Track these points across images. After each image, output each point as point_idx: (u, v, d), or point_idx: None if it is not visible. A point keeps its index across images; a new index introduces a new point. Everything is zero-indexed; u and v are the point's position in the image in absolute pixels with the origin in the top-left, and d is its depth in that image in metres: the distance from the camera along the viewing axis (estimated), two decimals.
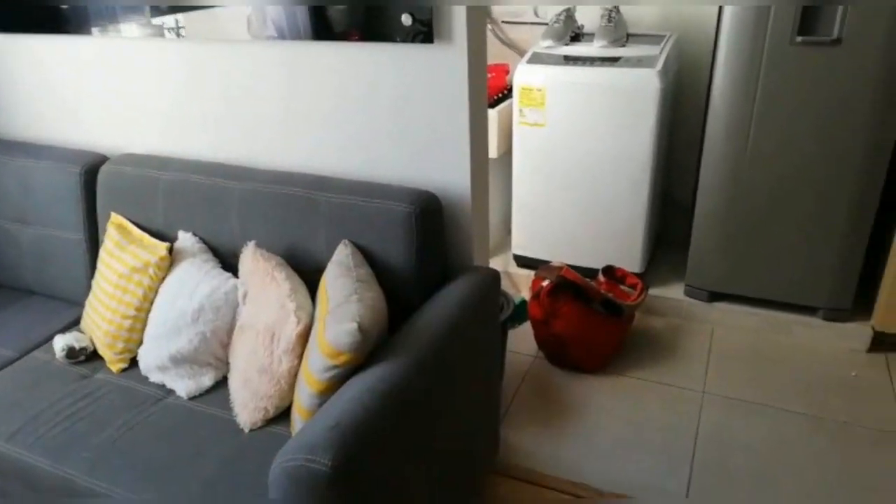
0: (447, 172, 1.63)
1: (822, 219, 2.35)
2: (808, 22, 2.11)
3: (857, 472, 1.92)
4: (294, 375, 1.46)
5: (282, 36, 1.63)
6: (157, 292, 1.69)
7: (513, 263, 2.95)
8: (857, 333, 2.46)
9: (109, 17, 1.82)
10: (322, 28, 1.58)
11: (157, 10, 1.75)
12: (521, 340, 2.54)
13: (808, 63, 2.16)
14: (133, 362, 1.70)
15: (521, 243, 2.87)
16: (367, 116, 1.65)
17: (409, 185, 1.66)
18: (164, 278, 1.70)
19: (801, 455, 1.98)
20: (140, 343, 1.69)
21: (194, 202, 1.75)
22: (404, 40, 1.50)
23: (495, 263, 2.98)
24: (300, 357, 1.45)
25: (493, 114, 2.64)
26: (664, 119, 2.49)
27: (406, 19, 1.47)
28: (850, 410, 2.16)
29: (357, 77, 1.62)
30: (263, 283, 1.53)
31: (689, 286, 2.66)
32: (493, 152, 2.70)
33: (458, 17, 1.46)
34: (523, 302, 2.66)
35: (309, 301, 1.52)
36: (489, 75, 2.72)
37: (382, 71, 1.59)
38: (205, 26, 1.73)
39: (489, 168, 2.77)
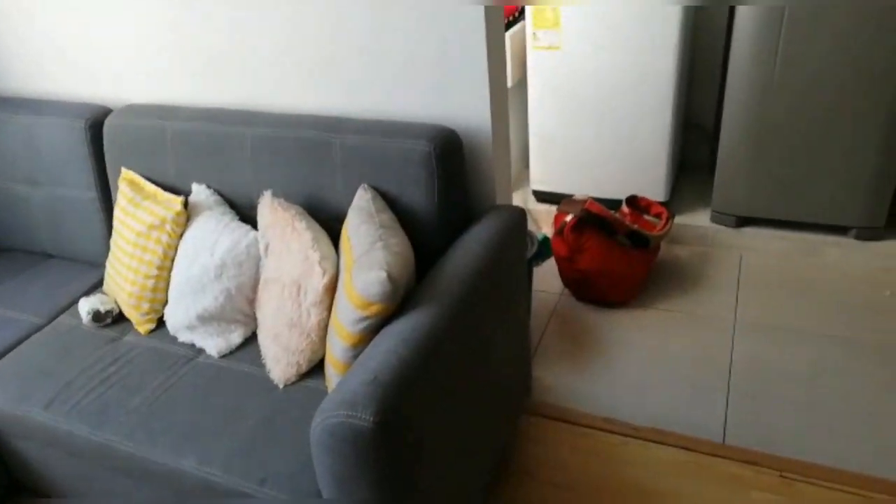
0: (465, 106, 1.55)
1: (854, 136, 2.25)
2: None
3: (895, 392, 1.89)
4: (324, 328, 1.43)
5: None
6: (176, 249, 1.65)
7: (532, 199, 2.88)
8: (892, 252, 2.40)
9: None
10: None
11: None
12: (546, 278, 2.49)
13: None
14: (160, 322, 1.67)
15: (540, 177, 2.79)
16: (377, 49, 1.56)
17: (426, 121, 1.58)
18: (182, 234, 1.65)
19: (841, 379, 1.95)
20: (165, 302, 1.66)
21: (205, 152, 1.69)
22: None
23: (515, 199, 2.91)
24: (329, 309, 1.41)
25: (505, 38, 2.52)
26: (685, 39, 2.36)
27: None
28: (887, 330, 2.12)
29: (363, 6, 1.52)
30: (284, 234, 1.48)
31: (715, 212, 2.59)
32: (507, 80, 2.59)
33: None
34: (546, 239, 2.60)
35: (332, 250, 1.47)
36: None
37: (395, 6, 1.48)
38: None
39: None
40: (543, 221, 2.85)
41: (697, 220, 2.64)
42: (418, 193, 1.49)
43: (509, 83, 2.60)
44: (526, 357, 1.84)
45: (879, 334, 2.11)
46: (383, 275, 1.21)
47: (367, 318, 1.24)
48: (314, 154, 1.57)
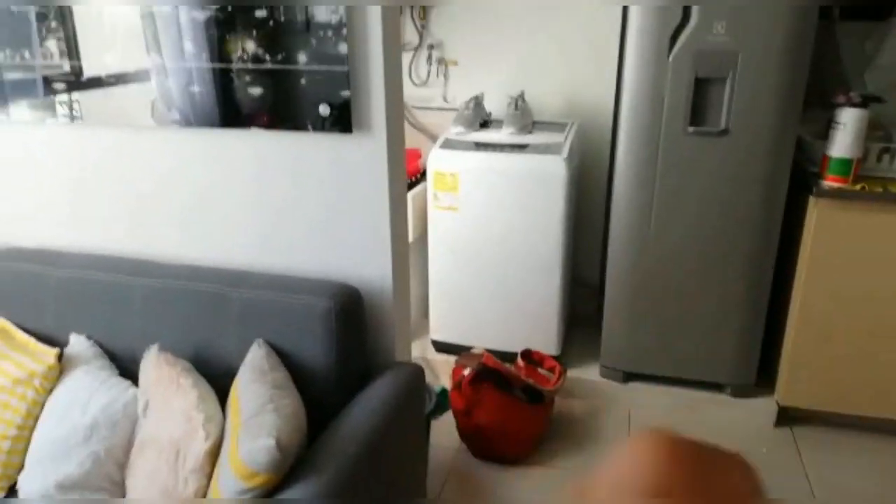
0: (368, 264, 1.58)
1: (721, 297, 2.46)
2: (698, 114, 2.26)
3: None
4: (203, 496, 1.31)
5: (188, 123, 1.55)
6: (42, 407, 1.50)
7: (431, 349, 2.89)
8: (764, 409, 2.55)
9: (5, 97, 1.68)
10: (232, 115, 1.52)
11: (51, 90, 1.63)
12: (443, 432, 2.45)
13: (700, 151, 2.30)
14: (12, 490, 1.48)
15: (439, 328, 2.83)
16: (284, 207, 1.59)
17: (328, 278, 1.59)
18: (52, 390, 1.51)
19: None
20: (21, 468, 1.48)
21: (90, 301, 1.60)
22: (321, 130, 1.46)
23: (413, 349, 2.91)
24: (210, 476, 1.31)
25: (407, 197, 2.63)
26: (571, 203, 2.57)
27: (324, 109, 1.44)
28: (767, 486, 2.20)
29: (272, 166, 1.56)
30: (168, 391, 1.39)
31: (604, 367, 2.69)
32: (408, 236, 2.68)
33: (377, 107, 1.45)
34: (444, 391, 2.59)
35: (219, 411, 1.39)
36: None
37: (299, 160, 1.54)
38: (103, 108, 1.63)
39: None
40: (442, 371, 2.84)
41: (588, 373, 2.73)
42: (316, 350, 1.47)
43: (411, 238, 2.68)
44: None
45: None
46: (271, 442, 1.15)
47: (250, 489, 1.16)
48: (210, 307, 1.52)
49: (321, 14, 1.37)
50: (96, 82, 1.59)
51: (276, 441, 1.15)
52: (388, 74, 1.43)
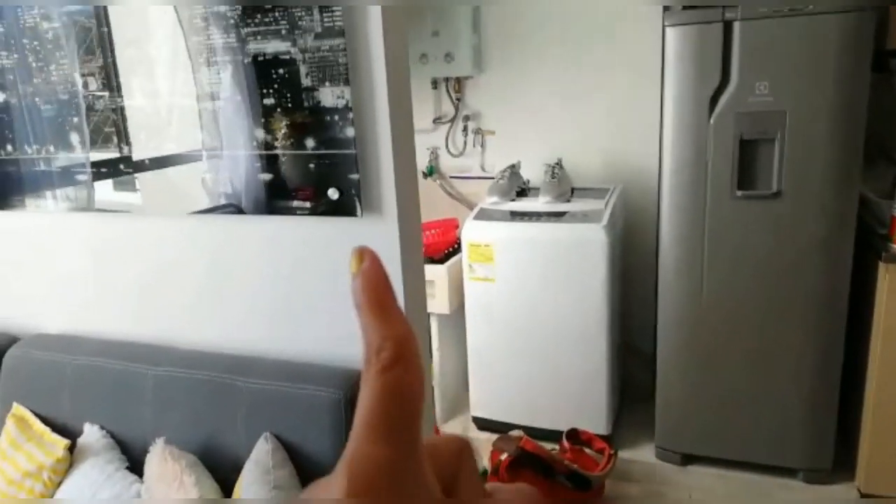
0: None
1: (787, 370, 2.25)
2: (746, 177, 2.12)
3: None
4: None
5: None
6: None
7: (473, 426, 2.75)
8: (843, 496, 2.29)
9: (34, 188, 1.72)
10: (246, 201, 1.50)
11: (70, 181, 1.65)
12: None
13: (751, 214, 2.15)
14: None
15: (480, 403, 2.70)
16: (294, 292, 1.54)
17: (340, 364, 1.52)
18: (60, 483, 1.48)
19: None
20: None
21: (104, 390, 1.58)
22: (331, 214, 1.42)
23: (453, 426, 2.79)
24: None
25: (443, 269, 2.57)
26: (615, 270, 2.44)
27: (333, 193, 1.40)
28: None
29: (282, 251, 1.53)
30: (170, 489, 1.33)
31: (660, 448, 2.49)
32: (444, 308, 2.60)
33: (387, 189, 1.40)
34: (484, 473, 2.45)
35: None
36: (434, 231, 2.68)
37: (308, 244, 1.50)
38: (125, 200, 1.64)
39: (442, 324, 2.68)
40: (484, 451, 2.69)
41: (642, 454, 2.53)
42: (325, 444, 1.39)
43: (447, 310, 2.60)
44: None
45: None
46: None
47: None
48: (217, 396, 1.47)
49: (327, 99, 1.34)
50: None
51: None
52: (397, 155, 1.38)
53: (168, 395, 1.51)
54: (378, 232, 1.43)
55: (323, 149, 1.37)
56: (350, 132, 1.35)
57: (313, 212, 1.43)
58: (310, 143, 1.38)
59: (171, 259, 1.65)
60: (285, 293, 1.55)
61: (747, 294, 2.22)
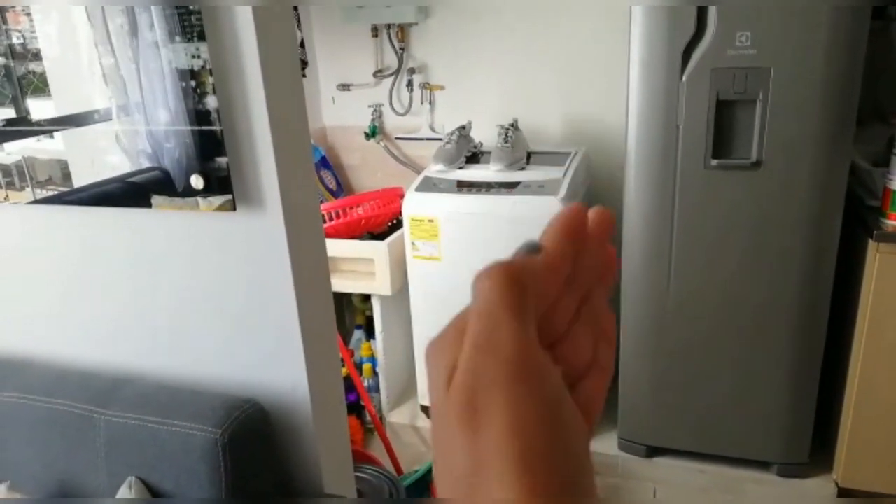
0: (272, 370, 1.23)
1: (763, 358, 2.02)
2: (722, 144, 1.84)
3: None
4: None
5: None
6: None
7: (422, 415, 2.52)
8: (819, 490, 2.10)
9: None
10: (103, 190, 1.19)
11: None
12: None
13: (727, 187, 1.88)
14: None
15: (426, 391, 2.45)
16: (165, 300, 1.25)
17: (225, 387, 1.24)
18: None
19: None
20: None
21: None
22: (195, 207, 1.12)
23: (400, 415, 2.55)
24: None
25: (383, 246, 2.29)
26: None
27: (196, 181, 1.09)
28: None
29: (150, 250, 1.23)
30: None
31: (623, 439, 2.27)
32: (386, 289, 2.33)
33: (268, 178, 1.10)
34: (430, 470, 2.22)
35: None
36: (373, 202, 2.38)
37: (178, 243, 1.20)
38: None
39: (385, 306, 2.41)
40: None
41: (605, 446, 2.31)
42: (201, 492, 1.12)
43: (390, 291, 2.33)
44: None
45: None
46: None
47: None
48: (74, 432, 1.20)
49: (180, 60, 1.03)
50: None
51: None
52: (278, 130, 1.08)
53: (11, 426, 1.23)
54: (258, 229, 1.14)
55: (180, 124, 1.06)
56: (212, 102, 1.04)
57: (178, 203, 1.13)
58: (162, 116, 1.07)
59: (16, 255, 1.34)
60: (155, 301, 1.26)
61: (721, 275, 1.97)
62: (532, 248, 0.31)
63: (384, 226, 2.43)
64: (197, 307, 1.23)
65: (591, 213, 0.32)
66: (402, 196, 2.50)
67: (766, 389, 2.05)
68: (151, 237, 1.21)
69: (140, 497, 1.12)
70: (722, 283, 1.98)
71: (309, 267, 1.20)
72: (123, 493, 1.13)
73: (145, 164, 1.13)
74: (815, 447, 2.10)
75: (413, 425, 2.50)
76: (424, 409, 2.50)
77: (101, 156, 1.18)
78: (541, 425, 0.26)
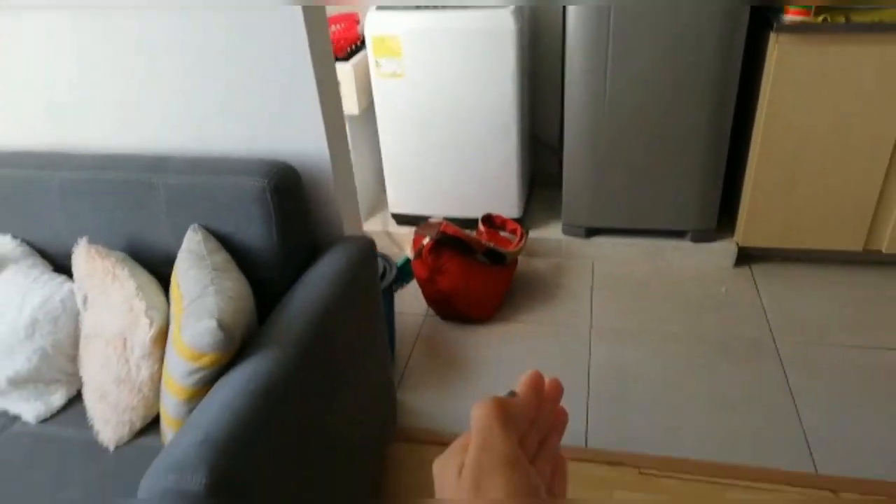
0: (301, 139, 1.49)
1: (681, 144, 2.41)
2: None
3: (736, 383, 2.03)
4: (157, 381, 1.31)
5: None
6: None
7: (392, 222, 2.85)
8: (724, 251, 2.59)
9: None
10: None
11: None
12: (411, 300, 2.47)
13: None
14: None
15: (398, 201, 2.78)
16: (202, 86, 1.47)
17: (261, 156, 1.51)
18: None
19: (687, 374, 2.07)
20: None
21: (8, 200, 1.51)
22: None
23: (374, 224, 2.88)
24: (161, 360, 1.30)
25: (347, 67, 2.49)
26: (524, 60, 2.45)
27: None
28: (726, 324, 2.28)
29: (186, 45, 1.43)
30: (104, 283, 1.35)
31: (566, 224, 2.69)
32: (353, 108, 2.56)
33: None
34: (406, 262, 2.59)
35: (162, 298, 1.36)
36: (337, 27, 2.55)
37: (210, 31, 1.41)
38: None
39: (353, 125, 2.65)
40: (406, 243, 2.83)
41: (550, 233, 2.73)
42: (255, 232, 1.41)
43: (357, 111, 2.56)
44: (389, 386, 1.79)
45: (719, 328, 2.26)
46: (213, 324, 1.12)
47: (199, 369, 1.15)
48: (134, 196, 1.44)
49: None
50: None
51: (219, 321, 1.13)
52: None
53: (79, 199, 1.47)
54: (281, 18, 1.36)
55: None
56: None
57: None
58: None
59: (47, 57, 1.51)
60: (193, 88, 1.48)
61: (648, 75, 2.30)
62: (511, 393, 0.43)
63: (345, 51, 2.62)
64: (230, 93, 1.46)
65: (548, 381, 0.44)
66: (357, 21, 2.68)
67: (684, 170, 2.46)
68: (191, 33, 1.41)
69: (205, 237, 1.39)
70: (651, 78, 2.30)
71: (320, 44, 1.44)
72: (190, 236, 1.40)
73: None
74: (721, 216, 2.57)
75: (386, 230, 2.83)
76: (395, 217, 2.83)
77: None
78: (529, 496, 0.37)
